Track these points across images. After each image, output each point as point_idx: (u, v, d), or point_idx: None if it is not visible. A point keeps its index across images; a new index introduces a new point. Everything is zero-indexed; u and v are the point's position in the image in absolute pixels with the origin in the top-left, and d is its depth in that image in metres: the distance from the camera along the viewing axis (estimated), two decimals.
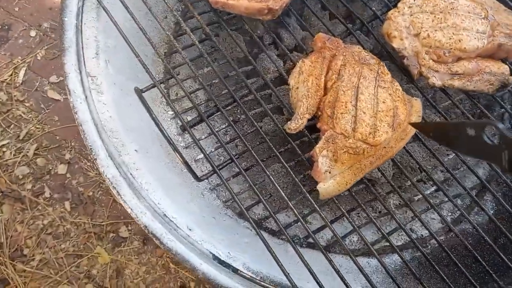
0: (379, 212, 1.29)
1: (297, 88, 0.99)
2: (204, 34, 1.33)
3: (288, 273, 0.84)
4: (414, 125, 0.90)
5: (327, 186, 0.89)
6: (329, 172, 0.89)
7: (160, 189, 0.94)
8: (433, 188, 1.26)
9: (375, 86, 0.96)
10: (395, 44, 1.04)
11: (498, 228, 0.94)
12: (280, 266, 0.85)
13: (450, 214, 1.28)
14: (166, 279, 1.84)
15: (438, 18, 1.03)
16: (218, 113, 1.00)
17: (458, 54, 1.01)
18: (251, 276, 0.85)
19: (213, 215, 1.08)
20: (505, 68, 1.02)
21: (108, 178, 0.85)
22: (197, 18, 1.03)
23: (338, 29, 1.24)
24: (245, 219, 1.16)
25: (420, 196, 1.25)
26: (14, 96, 2.01)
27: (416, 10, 1.05)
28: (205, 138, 1.19)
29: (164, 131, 0.81)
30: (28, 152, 1.94)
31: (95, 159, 0.86)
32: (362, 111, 0.93)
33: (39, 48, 2.11)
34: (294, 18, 1.35)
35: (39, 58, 2.10)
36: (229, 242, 0.98)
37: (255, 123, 0.99)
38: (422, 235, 1.26)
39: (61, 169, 1.94)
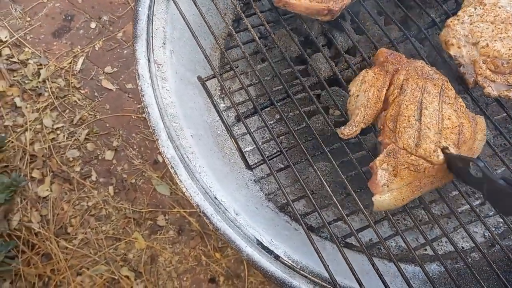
0: (420, 220, 1.28)
1: (357, 96, 1.01)
2: (260, 32, 1.39)
3: (328, 266, 0.86)
4: None
5: (383, 199, 0.90)
6: (387, 186, 0.90)
7: (211, 174, 0.99)
8: (477, 202, 1.24)
9: (439, 101, 0.96)
10: (453, 51, 1.05)
11: None
12: (320, 258, 0.87)
13: (494, 229, 1.26)
14: (197, 271, 1.89)
15: (499, 28, 1.03)
16: (268, 108, 1.04)
17: None
18: (291, 264, 0.88)
19: (256, 206, 1.12)
20: None
21: (167, 158, 0.90)
22: (259, 15, 1.07)
23: (393, 34, 1.26)
24: (287, 213, 1.19)
25: (462, 209, 1.25)
26: (72, 83, 2.14)
27: (476, 19, 1.05)
28: (253, 131, 1.23)
29: (224, 119, 0.86)
30: (80, 136, 2.05)
31: (157, 139, 0.91)
32: (427, 127, 0.93)
33: (98, 39, 2.24)
34: (349, 21, 1.38)
35: (96, 48, 2.23)
36: (271, 231, 1.01)
37: (307, 120, 1.03)
38: (462, 247, 1.24)
39: (108, 155, 2.04)
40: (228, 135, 0.87)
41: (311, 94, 1.05)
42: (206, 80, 0.96)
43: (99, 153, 2.05)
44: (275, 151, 0.98)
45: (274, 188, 1.24)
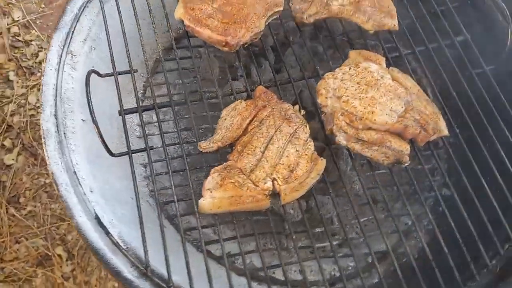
0: (285, 246, 1.39)
1: (225, 119, 1.17)
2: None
3: (148, 251, 0.99)
4: None
5: (205, 202, 1.03)
6: (211, 192, 1.04)
7: (86, 155, 1.15)
8: (336, 242, 1.34)
9: (286, 141, 1.10)
10: (320, 100, 1.19)
11: None
12: (144, 246, 1.00)
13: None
14: None
15: (361, 88, 1.17)
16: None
17: (369, 124, 1.13)
18: (117, 242, 1.01)
19: (131, 196, 1.25)
20: (405, 147, 1.12)
21: (43, 130, 1.07)
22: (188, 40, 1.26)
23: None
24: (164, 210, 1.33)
25: (320, 244, 1.35)
26: None
27: (347, 77, 1.20)
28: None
29: (93, 115, 1.01)
30: None
31: (41, 113, 1.09)
32: (266, 159, 1.08)
33: None
34: (272, 56, 1.56)
35: None
36: (125, 219, 1.14)
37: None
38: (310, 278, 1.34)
39: None
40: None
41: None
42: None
43: None
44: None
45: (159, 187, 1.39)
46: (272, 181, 1.06)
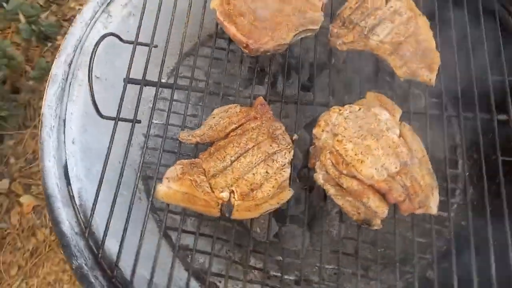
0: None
1: (213, 117, 1.15)
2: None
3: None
4: None
5: (160, 189, 1.02)
6: (168, 181, 1.03)
7: (83, 107, 1.22)
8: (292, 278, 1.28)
9: (261, 159, 1.06)
10: (315, 130, 1.12)
11: None
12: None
13: None
14: None
15: (361, 133, 1.08)
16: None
17: (354, 172, 1.04)
18: (72, 195, 1.07)
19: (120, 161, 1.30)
20: (382, 210, 1.02)
21: (51, 75, 1.16)
22: None
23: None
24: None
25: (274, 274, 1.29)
26: None
27: (352, 117, 1.11)
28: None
29: (90, 73, 1.07)
30: None
31: (56, 58, 1.18)
32: (232, 170, 1.04)
33: None
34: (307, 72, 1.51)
35: None
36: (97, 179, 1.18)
37: None
38: None
39: None
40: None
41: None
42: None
43: None
44: None
45: None
46: (230, 192, 1.03)
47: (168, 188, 1.04)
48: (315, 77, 1.39)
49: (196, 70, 1.27)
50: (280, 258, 1.30)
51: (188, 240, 1.33)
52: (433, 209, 1.02)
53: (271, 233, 1.32)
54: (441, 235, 1.32)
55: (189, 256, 1.33)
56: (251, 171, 1.04)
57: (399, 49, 1.19)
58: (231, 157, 1.06)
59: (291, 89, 1.51)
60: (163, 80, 1.21)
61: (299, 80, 1.34)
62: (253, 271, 1.31)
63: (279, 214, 1.32)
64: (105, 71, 1.31)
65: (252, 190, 1.03)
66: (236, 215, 1.02)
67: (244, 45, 1.22)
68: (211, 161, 1.06)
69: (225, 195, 1.02)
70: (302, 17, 1.24)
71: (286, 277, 1.26)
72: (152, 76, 1.25)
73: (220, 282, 1.29)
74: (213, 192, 1.02)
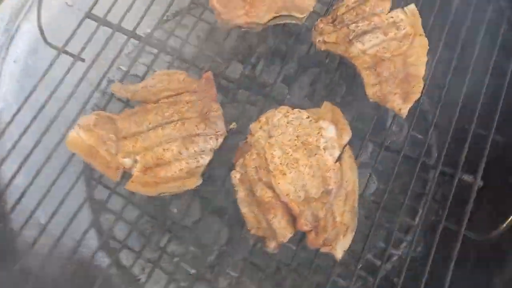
0: None
1: (153, 79, 1.06)
2: None
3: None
4: None
5: (70, 135, 0.98)
6: (79, 128, 0.98)
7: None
8: None
9: (180, 136, 0.96)
10: (252, 124, 1.01)
11: None
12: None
13: None
14: None
15: (295, 143, 0.95)
16: None
17: (272, 182, 0.92)
18: None
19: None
20: (283, 234, 0.89)
21: None
22: None
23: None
24: None
25: None
26: None
27: (295, 123, 0.98)
28: None
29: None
30: None
31: None
32: (144, 138, 0.96)
33: None
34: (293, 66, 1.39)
35: None
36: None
37: None
38: None
39: None
40: None
41: None
42: None
43: None
44: None
45: None
46: (134, 161, 0.95)
47: (77, 136, 0.97)
48: (298, 73, 1.26)
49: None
50: (192, 248, 1.22)
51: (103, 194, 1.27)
52: (338, 252, 0.88)
53: (190, 219, 1.24)
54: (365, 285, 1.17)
55: (100, 213, 1.27)
56: (162, 146, 0.95)
57: (378, 66, 1.03)
58: (149, 124, 0.97)
59: (271, 77, 1.37)
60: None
61: (281, 72, 1.21)
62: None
63: (206, 202, 1.23)
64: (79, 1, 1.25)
65: (157, 165, 0.95)
66: (130, 186, 0.94)
67: (217, 13, 1.11)
68: (128, 121, 0.98)
69: (127, 161, 0.95)
70: (289, 2, 1.11)
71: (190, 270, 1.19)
72: (127, 24, 1.17)
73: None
74: (116, 154, 0.95)
